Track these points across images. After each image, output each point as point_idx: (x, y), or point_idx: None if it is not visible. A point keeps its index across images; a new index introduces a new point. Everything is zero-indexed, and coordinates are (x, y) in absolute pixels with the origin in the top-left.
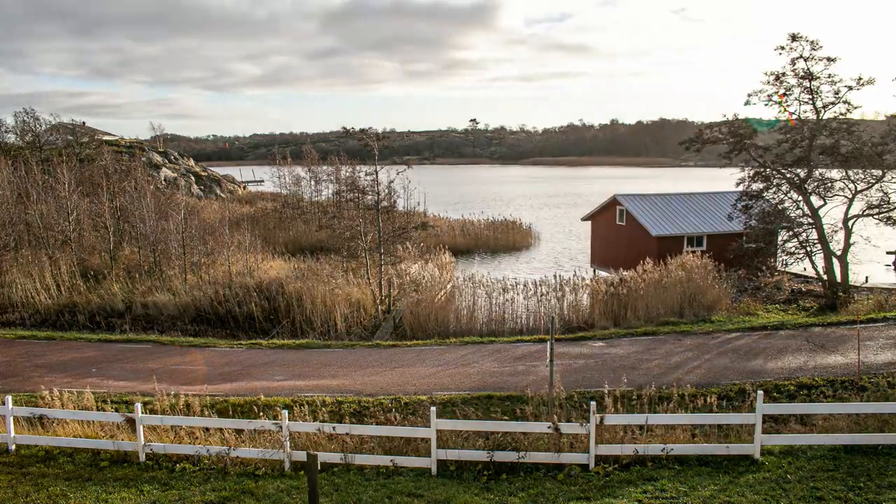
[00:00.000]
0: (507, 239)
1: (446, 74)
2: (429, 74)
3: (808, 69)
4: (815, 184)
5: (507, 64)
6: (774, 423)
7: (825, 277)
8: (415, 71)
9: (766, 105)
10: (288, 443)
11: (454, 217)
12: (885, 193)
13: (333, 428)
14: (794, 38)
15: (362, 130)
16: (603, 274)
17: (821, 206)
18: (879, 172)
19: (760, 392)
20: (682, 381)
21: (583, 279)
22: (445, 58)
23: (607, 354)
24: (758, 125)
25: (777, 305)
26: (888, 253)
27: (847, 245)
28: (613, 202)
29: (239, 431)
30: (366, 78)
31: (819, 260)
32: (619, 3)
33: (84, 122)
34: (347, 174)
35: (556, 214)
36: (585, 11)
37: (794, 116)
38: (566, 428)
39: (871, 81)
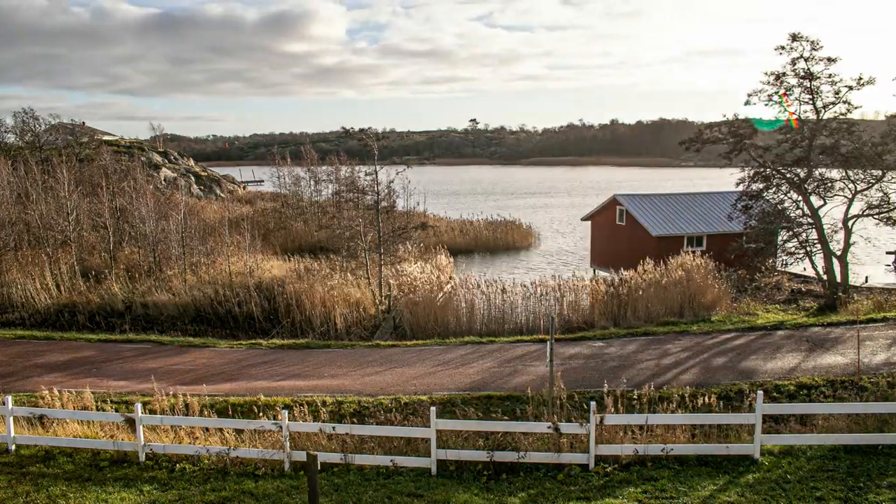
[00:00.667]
0: (507, 239)
1: (342, 79)
2: (322, 77)
3: (809, 69)
4: (815, 184)
5: (396, 69)
6: (774, 423)
7: (825, 277)
8: (304, 74)
9: (766, 105)
10: (288, 443)
11: (454, 217)
12: (885, 193)
13: (333, 428)
14: (794, 38)
15: (362, 130)
16: (603, 274)
17: (821, 206)
18: (879, 172)
19: (760, 392)
20: (682, 380)
21: (582, 279)
22: (314, 63)
23: (607, 354)
24: (762, 125)
25: (777, 305)
26: (888, 253)
27: (847, 245)
28: (613, 202)
29: (239, 431)
30: (265, 83)
31: (819, 260)
32: (415, 11)
33: (84, 122)
34: (347, 174)
35: (557, 214)
36: (393, 22)
37: (795, 116)
38: (566, 428)
39: (871, 81)
